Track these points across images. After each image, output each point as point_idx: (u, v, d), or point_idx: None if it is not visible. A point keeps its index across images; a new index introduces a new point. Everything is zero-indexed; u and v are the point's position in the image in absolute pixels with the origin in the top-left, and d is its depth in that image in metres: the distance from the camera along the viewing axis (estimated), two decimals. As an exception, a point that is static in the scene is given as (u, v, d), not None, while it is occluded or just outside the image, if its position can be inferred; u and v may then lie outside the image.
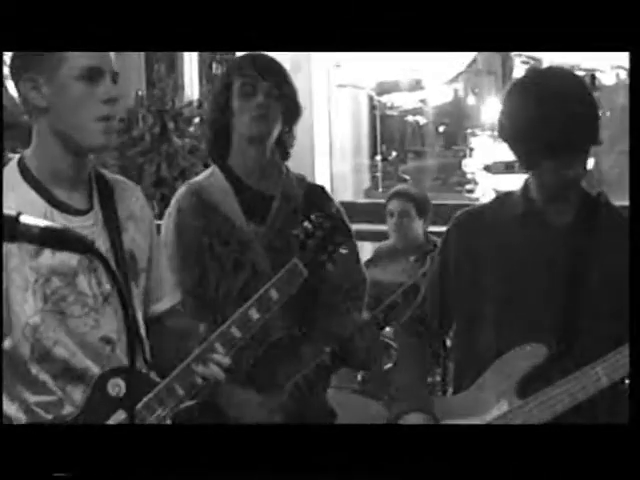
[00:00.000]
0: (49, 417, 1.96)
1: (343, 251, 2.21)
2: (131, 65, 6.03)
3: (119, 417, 1.98)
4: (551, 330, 2.22)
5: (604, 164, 5.84)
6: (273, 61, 2.64)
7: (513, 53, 6.14)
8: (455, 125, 6.45)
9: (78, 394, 1.98)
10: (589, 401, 2.15)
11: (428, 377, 2.86)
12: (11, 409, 1.95)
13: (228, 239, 2.60)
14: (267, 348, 2.55)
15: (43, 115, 1.96)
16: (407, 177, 6.57)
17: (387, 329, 3.45)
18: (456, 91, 6.37)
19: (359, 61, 6.02)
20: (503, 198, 2.42)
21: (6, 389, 1.93)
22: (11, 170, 2.00)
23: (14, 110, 2.00)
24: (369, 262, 4.34)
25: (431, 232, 4.38)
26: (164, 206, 2.82)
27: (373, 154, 6.57)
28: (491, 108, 5.92)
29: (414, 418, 2.26)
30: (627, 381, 2.17)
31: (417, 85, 6.31)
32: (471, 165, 6.08)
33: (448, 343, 2.97)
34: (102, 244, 1.99)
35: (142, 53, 6.45)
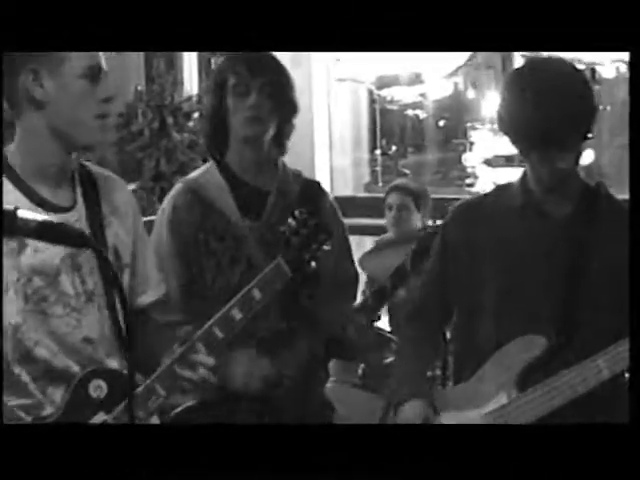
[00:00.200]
0: (29, 419, 1.94)
1: (326, 247, 2.17)
2: (130, 60, 6.01)
3: (99, 419, 1.97)
4: (551, 322, 2.22)
5: (604, 158, 5.83)
6: (267, 57, 2.61)
7: (513, 49, 6.13)
8: (455, 119, 6.42)
9: (59, 396, 1.97)
10: (588, 396, 2.15)
11: (428, 371, 2.87)
12: None
13: (223, 235, 2.60)
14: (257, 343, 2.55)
15: (38, 110, 1.95)
16: (407, 171, 6.54)
17: (384, 324, 3.45)
18: (456, 85, 6.34)
19: (359, 55, 6.00)
20: (502, 189, 2.41)
21: None
22: None
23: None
24: (368, 253, 4.33)
25: (430, 226, 4.35)
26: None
27: (373, 148, 6.54)
28: (491, 102, 5.89)
29: (413, 406, 2.26)
30: (627, 375, 2.17)
31: (417, 79, 6.28)
32: (471, 159, 6.05)
33: (448, 335, 2.97)
34: None
35: (141, 48, 6.43)
